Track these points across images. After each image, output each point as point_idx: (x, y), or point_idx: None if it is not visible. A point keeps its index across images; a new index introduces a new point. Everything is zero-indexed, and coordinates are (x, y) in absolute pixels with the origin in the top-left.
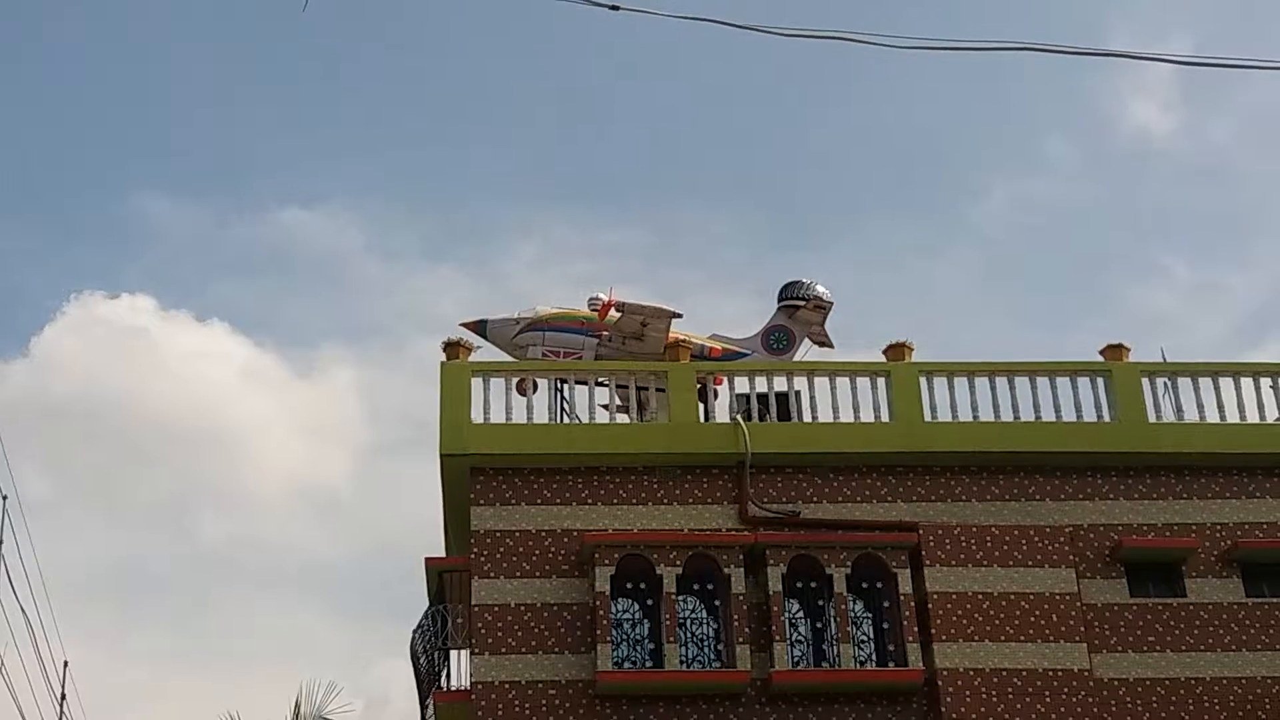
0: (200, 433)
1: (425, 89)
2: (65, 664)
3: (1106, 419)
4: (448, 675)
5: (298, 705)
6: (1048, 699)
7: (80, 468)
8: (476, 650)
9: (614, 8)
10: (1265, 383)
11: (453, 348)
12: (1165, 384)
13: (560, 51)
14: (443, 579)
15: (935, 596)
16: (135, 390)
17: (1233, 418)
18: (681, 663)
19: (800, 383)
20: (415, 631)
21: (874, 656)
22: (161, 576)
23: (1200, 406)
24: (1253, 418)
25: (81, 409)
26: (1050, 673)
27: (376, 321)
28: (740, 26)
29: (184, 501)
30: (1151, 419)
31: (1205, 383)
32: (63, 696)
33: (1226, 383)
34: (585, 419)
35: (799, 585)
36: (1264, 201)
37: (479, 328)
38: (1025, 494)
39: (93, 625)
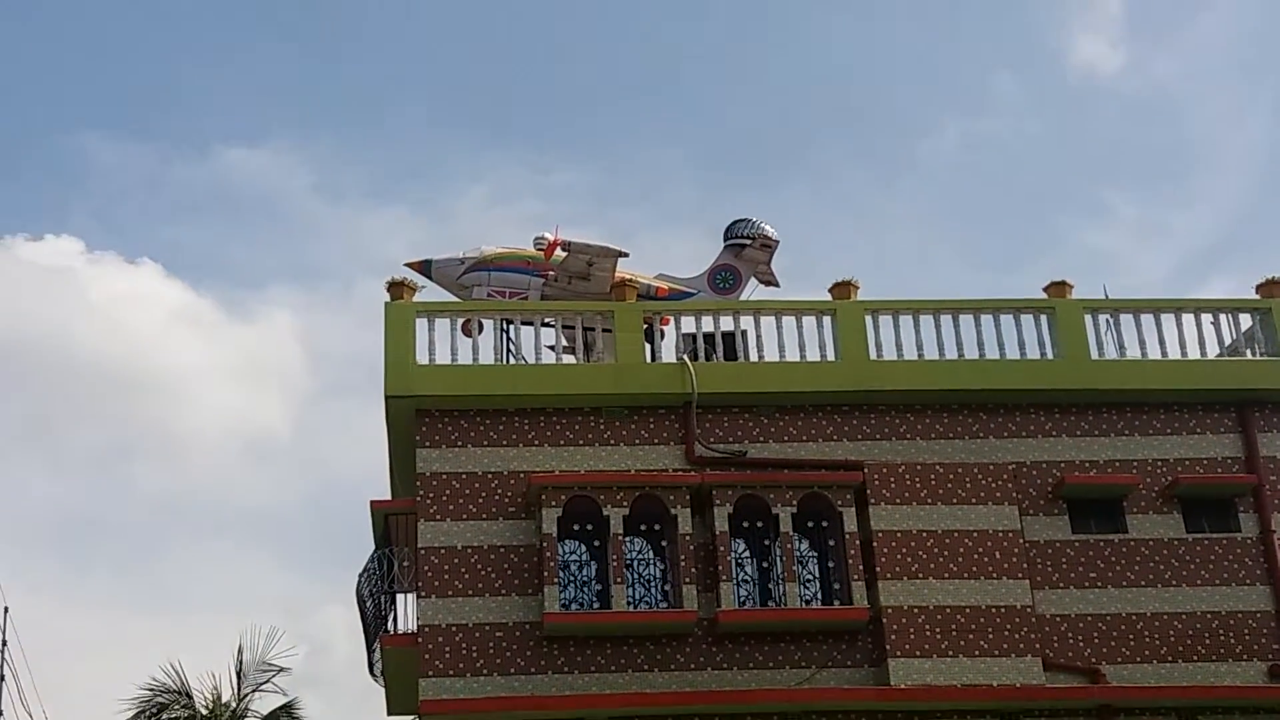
0: (133, 377)
1: (373, 28)
2: (5, 610)
3: (1050, 356)
4: (394, 619)
5: (240, 651)
6: (991, 635)
7: (9, 413)
8: (423, 593)
9: None
10: (1206, 319)
11: (397, 288)
12: (1108, 320)
13: None
14: (388, 522)
15: (880, 535)
16: (62, 333)
17: (1174, 354)
18: (628, 603)
19: (746, 322)
20: (361, 575)
21: (819, 595)
22: (101, 523)
23: (1142, 343)
24: (1194, 354)
25: (5, 353)
26: (993, 609)
27: (322, 263)
28: None
29: (120, 447)
30: (1094, 356)
31: (1147, 319)
32: (3, 643)
33: (1168, 319)
34: (531, 360)
35: (745, 525)
36: (1208, 139)
37: (424, 268)
38: (969, 432)
39: (33, 572)
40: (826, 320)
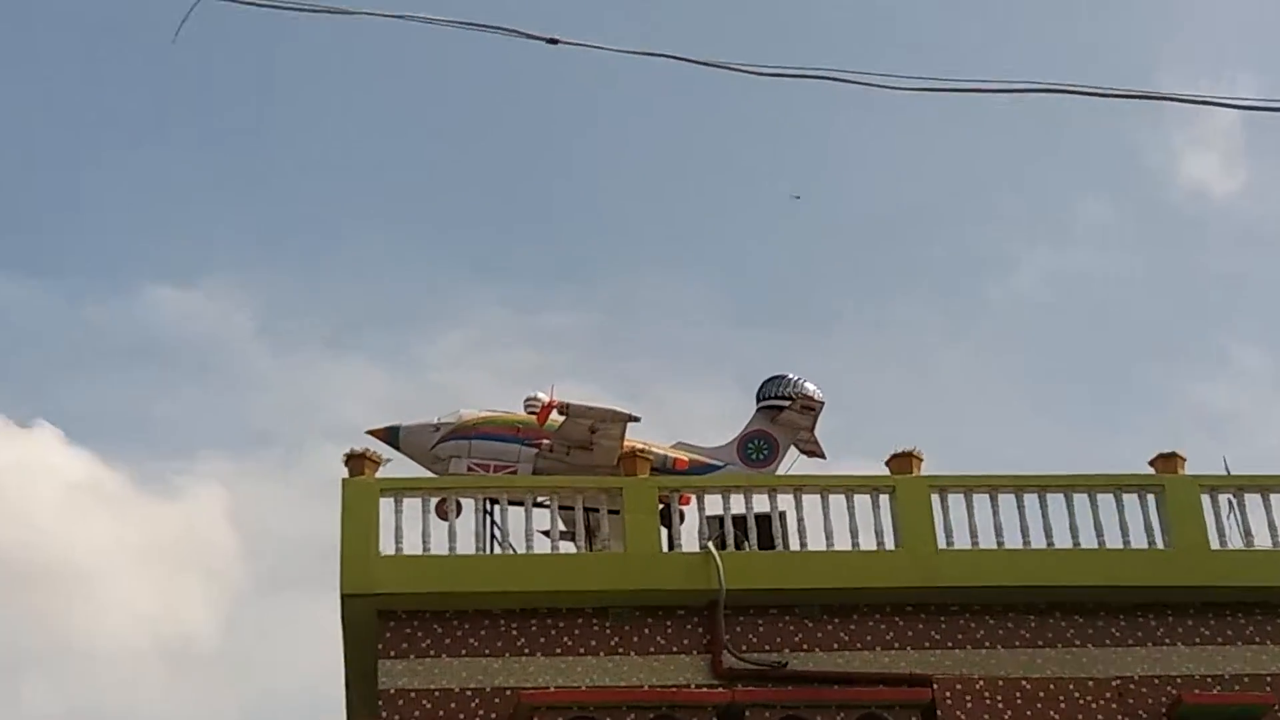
0: (21, 569)
1: (326, 145)
2: None
3: (1159, 545)
4: None
5: None
6: None
7: None
8: None
9: (552, 41)
10: None
11: (357, 461)
12: (1230, 501)
13: (493, 98)
14: None
15: None
16: None
17: None
18: None
19: (786, 501)
20: None
21: None
22: None
23: (1273, 529)
24: None
25: None
26: None
27: (263, 426)
28: (699, 63)
29: (4, 656)
30: (1214, 545)
31: (1279, 500)
32: None
33: None
34: (521, 549)
35: None
36: None
37: (390, 436)
38: (1062, 639)
39: None
40: (884, 499)
